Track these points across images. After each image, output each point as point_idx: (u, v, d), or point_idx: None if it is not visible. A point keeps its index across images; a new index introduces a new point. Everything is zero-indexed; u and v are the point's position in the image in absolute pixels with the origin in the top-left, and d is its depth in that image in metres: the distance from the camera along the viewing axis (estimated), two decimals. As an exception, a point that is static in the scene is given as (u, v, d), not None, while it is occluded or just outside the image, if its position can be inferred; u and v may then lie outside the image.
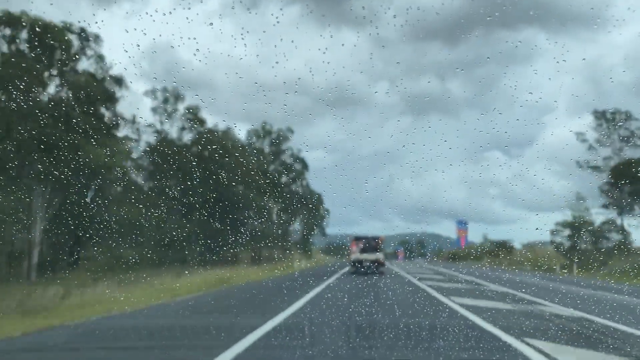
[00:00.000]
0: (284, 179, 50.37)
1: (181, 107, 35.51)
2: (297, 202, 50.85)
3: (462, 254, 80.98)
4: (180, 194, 33.47)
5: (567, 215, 37.16)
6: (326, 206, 62.54)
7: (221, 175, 37.38)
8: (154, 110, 35.03)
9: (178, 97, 34.58)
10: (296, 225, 61.09)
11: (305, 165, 50.94)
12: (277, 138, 48.05)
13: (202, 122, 36.28)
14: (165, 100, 34.57)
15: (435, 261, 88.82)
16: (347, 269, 32.62)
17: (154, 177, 33.27)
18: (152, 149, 33.14)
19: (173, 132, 35.44)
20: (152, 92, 34.79)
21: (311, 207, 58.77)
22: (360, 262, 29.14)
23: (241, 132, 49.72)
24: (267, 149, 48.16)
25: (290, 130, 47.96)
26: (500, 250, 52.73)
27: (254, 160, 43.25)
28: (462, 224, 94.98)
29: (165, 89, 34.52)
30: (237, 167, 40.38)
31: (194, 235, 33.54)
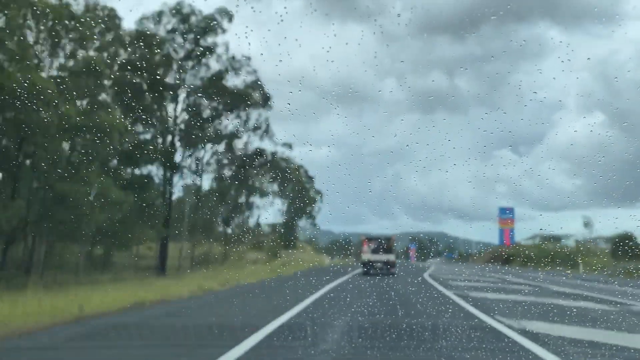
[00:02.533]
0: (226, 115, 26.61)
1: None
2: (250, 160, 27.24)
3: (514, 254, 56.69)
4: None
5: None
6: (318, 188, 41.14)
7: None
8: None
9: None
10: (266, 209, 38.15)
11: (265, 97, 27.30)
12: (202, 31, 24.37)
13: None
14: None
15: (468, 264, 64.80)
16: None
17: None
18: None
19: None
20: None
21: (290, 176, 35.71)
22: (371, 263, 28.82)
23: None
24: (182, 53, 24.41)
25: (226, 13, 24.39)
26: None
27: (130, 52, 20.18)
28: (506, 213, 70.13)
29: None
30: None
31: None
